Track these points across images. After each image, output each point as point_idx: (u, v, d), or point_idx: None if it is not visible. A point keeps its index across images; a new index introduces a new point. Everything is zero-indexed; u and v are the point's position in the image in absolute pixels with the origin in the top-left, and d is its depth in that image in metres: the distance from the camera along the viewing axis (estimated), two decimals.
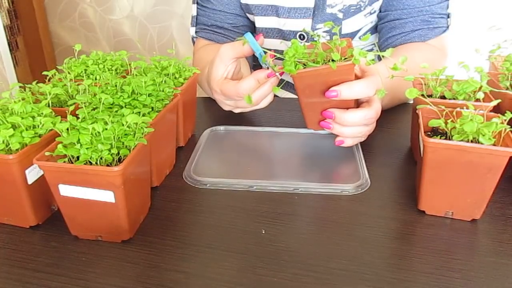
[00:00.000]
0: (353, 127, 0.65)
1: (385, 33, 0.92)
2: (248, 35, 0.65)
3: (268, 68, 0.65)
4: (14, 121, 0.48)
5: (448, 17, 0.90)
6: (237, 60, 0.72)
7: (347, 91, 0.61)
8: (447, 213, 0.53)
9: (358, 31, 0.95)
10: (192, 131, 0.75)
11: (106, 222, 0.48)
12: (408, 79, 0.59)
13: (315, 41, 0.62)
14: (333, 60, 0.60)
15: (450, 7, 0.90)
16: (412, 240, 0.50)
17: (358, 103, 0.66)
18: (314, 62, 0.60)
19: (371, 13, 0.92)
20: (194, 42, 1.04)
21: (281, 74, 0.65)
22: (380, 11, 0.92)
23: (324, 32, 0.94)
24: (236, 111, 0.78)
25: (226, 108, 0.77)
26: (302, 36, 0.96)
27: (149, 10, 2.22)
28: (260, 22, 0.97)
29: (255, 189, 0.59)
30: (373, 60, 0.57)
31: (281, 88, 0.66)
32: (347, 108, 0.64)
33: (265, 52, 0.64)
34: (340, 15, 0.91)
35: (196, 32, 1.01)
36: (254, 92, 0.67)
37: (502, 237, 0.50)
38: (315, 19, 0.91)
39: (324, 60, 0.61)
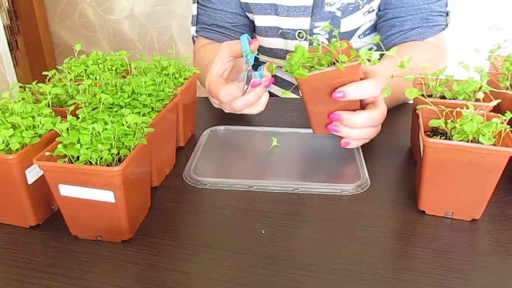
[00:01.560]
0: (361, 128, 0.64)
1: (384, 32, 0.92)
2: (243, 37, 0.67)
3: (249, 71, 0.65)
4: (14, 121, 0.48)
5: (447, 15, 0.90)
6: (235, 59, 0.72)
7: (354, 91, 0.60)
8: (447, 213, 0.53)
9: (356, 29, 0.94)
10: (192, 131, 0.75)
11: (106, 222, 0.48)
12: (408, 79, 0.59)
13: (314, 44, 0.62)
14: (336, 61, 0.60)
15: (448, 5, 0.90)
16: (412, 240, 0.50)
17: (363, 105, 0.66)
18: (319, 65, 0.60)
19: (369, 12, 0.92)
20: (194, 42, 1.04)
21: (269, 83, 0.65)
22: (379, 10, 0.92)
23: (323, 31, 0.94)
24: (226, 111, 0.77)
25: (214, 105, 0.76)
26: (301, 35, 0.96)
27: (149, 10, 2.22)
28: (260, 21, 0.97)
29: (255, 189, 0.59)
30: (378, 59, 0.57)
31: (281, 88, 0.66)
32: (354, 110, 0.64)
33: (256, 56, 0.65)
34: (339, 13, 0.91)
35: (196, 31, 1.02)
36: (237, 99, 0.66)
37: (502, 237, 0.50)
38: (313, 17, 0.91)
39: (329, 63, 0.61)
